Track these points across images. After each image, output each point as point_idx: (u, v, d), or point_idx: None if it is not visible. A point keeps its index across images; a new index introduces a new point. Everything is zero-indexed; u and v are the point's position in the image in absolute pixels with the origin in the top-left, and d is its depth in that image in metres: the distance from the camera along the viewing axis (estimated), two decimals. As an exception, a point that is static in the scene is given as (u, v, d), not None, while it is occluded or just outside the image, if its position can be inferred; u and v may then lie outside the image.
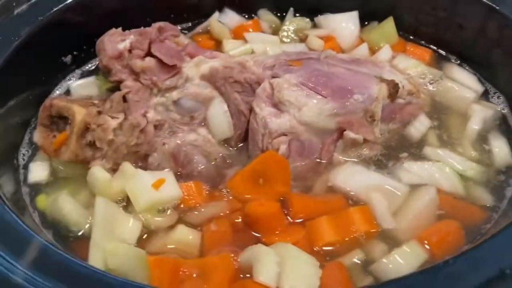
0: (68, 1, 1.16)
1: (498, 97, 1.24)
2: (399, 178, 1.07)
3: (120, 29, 1.09)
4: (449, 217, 1.01)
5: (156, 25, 1.09)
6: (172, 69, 1.06)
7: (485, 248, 0.79)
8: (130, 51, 1.06)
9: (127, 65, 1.06)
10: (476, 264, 0.76)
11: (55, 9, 1.13)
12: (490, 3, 1.20)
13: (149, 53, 1.07)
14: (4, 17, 1.08)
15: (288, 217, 1.00)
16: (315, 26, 1.40)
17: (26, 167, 1.06)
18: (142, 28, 1.09)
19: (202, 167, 1.07)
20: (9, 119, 1.07)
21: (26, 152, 1.08)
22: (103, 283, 0.72)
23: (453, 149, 1.14)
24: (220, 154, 1.09)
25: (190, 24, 1.39)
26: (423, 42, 1.38)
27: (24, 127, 1.12)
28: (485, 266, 0.75)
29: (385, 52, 1.32)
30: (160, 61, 1.06)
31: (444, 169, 1.08)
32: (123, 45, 1.05)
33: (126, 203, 1.00)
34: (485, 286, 0.73)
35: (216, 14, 1.37)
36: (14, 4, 1.09)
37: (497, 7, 1.19)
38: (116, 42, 1.06)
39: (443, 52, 1.36)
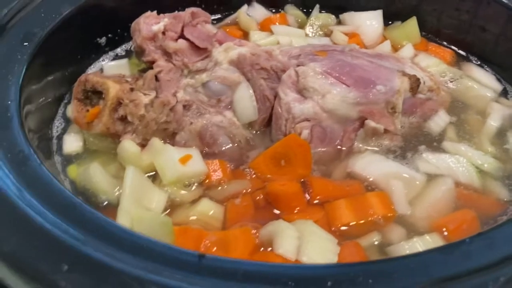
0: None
1: (517, 97, 1.28)
2: (417, 168, 1.10)
3: (155, 12, 1.14)
4: (466, 207, 1.04)
5: (189, 10, 1.14)
6: (202, 52, 1.11)
7: (501, 230, 0.82)
8: (163, 33, 1.11)
9: (160, 46, 1.11)
10: (492, 244, 0.78)
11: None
12: (512, 6, 1.24)
13: (181, 36, 1.12)
14: (46, -3, 1.13)
15: (308, 198, 1.03)
16: (340, 23, 1.45)
17: (58, 138, 1.10)
18: (176, 12, 1.13)
19: (227, 147, 1.11)
20: (44, 94, 1.12)
21: (60, 124, 1.13)
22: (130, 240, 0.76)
23: (471, 144, 1.17)
24: (244, 137, 1.13)
25: (219, 16, 1.43)
26: (444, 42, 1.41)
27: (58, 102, 1.17)
28: (501, 245, 0.78)
29: (407, 50, 1.35)
30: (191, 44, 1.10)
31: (461, 162, 1.11)
32: (157, 27, 1.10)
33: (154, 176, 1.04)
34: (500, 263, 0.75)
35: (244, 7, 1.42)
36: (56, -14, 1.14)
37: (520, 10, 1.23)
38: (150, 24, 1.11)
39: (463, 53, 1.39)
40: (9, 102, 0.93)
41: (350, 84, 1.11)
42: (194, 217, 0.98)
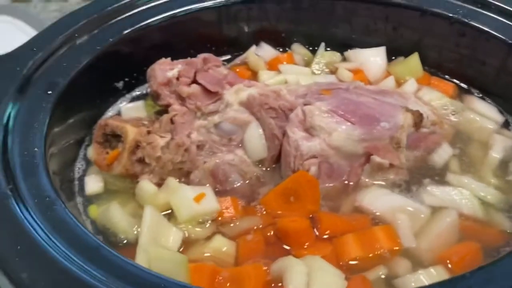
0: (123, 33, 1.29)
1: (518, 129, 1.32)
2: (422, 200, 1.14)
3: (169, 59, 1.22)
4: (469, 239, 1.08)
5: (202, 56, 1.22)
6: (214, 95, 1.18)
7: (501, 264, 0.85)
8: (177, 78, 1.18)
9: (174, 91, 1.18)
10: (492, 278, 0.82)
11: (111, 40, 1.26)
12: (510, 42, 1.29)
13: (194, 81, 1.19)
14: (68, 46, 1.21)
15: (316, 233, 1.08)
16: (344, 59, 1.51)
17: (80, 179, 1.17)
18: (188, 58, 1.21)
19: (238, 184, 1.16)
20: (67, 138, 1.19)
21: (81, 166, 1.20)
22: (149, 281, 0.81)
23: (475, 176, 1.21)
24: (255, 174, 1.18)
25: (229, 56, 1.50)
26: (447, 76, 1.46)
27: (80, 144, 1.24)
28: (501, 280, 0.82)
29: (410, 85, 1.41)
30: (204, 88, 1.18)
31: (464, 194, 1.15)
32: (172, 73, 1.18)
33: (170, 215, 1.09)
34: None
35: (253, 48, 1.49)
36: (76, 35, 1.22)
37: (517, 45, 1.28)
38: (165, 70, 1.19)
39: (465, 86, 1.44)
40: (36, 149, 1.00)
41: (355, 122, 1.17)
42: (208, 254, 1.03)
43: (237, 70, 1.45)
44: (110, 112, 1.33)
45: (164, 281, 0.81)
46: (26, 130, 1.03)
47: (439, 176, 1.21)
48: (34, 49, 1.16)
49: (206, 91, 1.18)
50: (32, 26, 1.93)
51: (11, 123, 1.01)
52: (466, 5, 1.38)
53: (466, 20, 1.35)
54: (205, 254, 1.03)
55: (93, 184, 1.16)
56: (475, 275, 0.83)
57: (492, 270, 0.84)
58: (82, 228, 0.89)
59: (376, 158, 1.16)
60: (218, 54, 1.48)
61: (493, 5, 1.35)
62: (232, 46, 1.50)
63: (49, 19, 2.11)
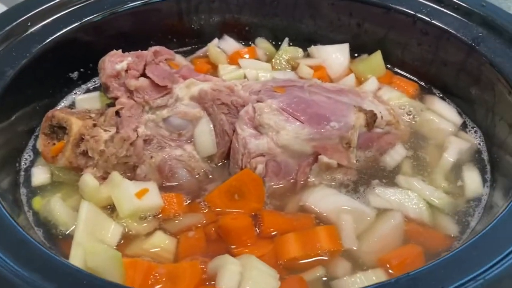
0: (78, 23, 1.27)
1: (475, 132, 1.30)
2: (368, 202, 1.13)
3: (120, 50, 1.20)
4: (413, 242, 1.07)
5: (152, 49, 1.20)
6: (163, 89, 1.16)
7: (430, 269, 0.85)
8: (126, 71, 1.17)
9: (123, 84, 1.17)
10: (419, 284, 0.82)
11: (65, 30, 1.24)
12: (470, 43, 1.27)
13: (143, 74, 1.18)
14: (19, 35, 1.20)
15: (258, 231, 1.07)
16: (308, 55, 1.49)
17: (26, 170, 1.17)
18: (139, 51, 1.19)
19: (185, 180, 1.16)
20: (16, 126, 1.18)
21: (29, 156, 1.19)
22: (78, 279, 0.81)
23: (426, 179, 1.20)
24: (203, 170, 1.18)
25: (190, 48, 1.49)
26: (409, 75, 1.45)
27: (29, 134, 1.23)
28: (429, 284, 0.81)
29: (371, 83, 1.39)
30: (153, 81, 1.16)
31: (412, 197, 1.14)
32: (121, 66, 1.16)
33: (112, 209, 1.09)
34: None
35: (215, 41, 1.47)
36: (29, 24, 1.21)
37: (477, 47, 1.26)
38: (115, 62, 1.17)
39: (427, 85, 1.42)
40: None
41: (304, 121, 1.16)
42: (147, 249, 1.03)
43: (197, 62, 1.44)
44: (64, 102, 1.32)
45: (86, 276, 0.81)
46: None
47: (389, 177, 1.20)
48: (-18, 37, 1.14)
49: (155, 84, 1.16)
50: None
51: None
52: (429, 3, 1.35)
53: (429, 19, 1.33)
54: (145, 250, 1.03)
55: (40, 175, 1.15)
56: (400, 281, 0.82)
57: (417, 277, 0.83)
58: (12, 221, 0.89)
59: (324, 158, 1.15)
60: (180, 45, 1.48)
61: (456, 4, 1.32)
62: (194, 38, 1.48)
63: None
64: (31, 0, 1.24)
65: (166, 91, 1.17)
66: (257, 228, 1.08)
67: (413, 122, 1.33)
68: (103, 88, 1.20)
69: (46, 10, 1.24)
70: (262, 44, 1.50)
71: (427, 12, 1.34)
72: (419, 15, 1.35)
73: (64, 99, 1.32)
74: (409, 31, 1.38)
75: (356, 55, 1.49)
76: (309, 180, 1.17)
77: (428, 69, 1.40)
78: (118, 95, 1.16)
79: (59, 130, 1.14)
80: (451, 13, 1.33)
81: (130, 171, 1.15)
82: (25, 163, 1.18)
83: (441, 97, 1.39)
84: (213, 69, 1.42)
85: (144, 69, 1.18)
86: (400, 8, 1.37)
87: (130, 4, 1.33)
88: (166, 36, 1.44)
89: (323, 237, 1.05)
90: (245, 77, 1.38)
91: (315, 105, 1.20)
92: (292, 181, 1.16)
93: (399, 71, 1.46)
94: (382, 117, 1.24)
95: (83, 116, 1.14)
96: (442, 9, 1.34)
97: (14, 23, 1.20)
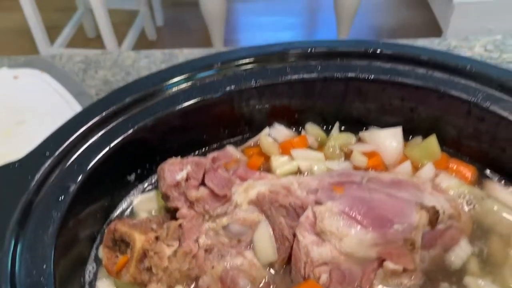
0: (134, 127, 1.29)
1: (543, 223, 1.25)
2: (438, 309, 1.10)
3: (179, 158, 1.21)
4: None
5: (210, 156, 1.21)
6: (222, 198, 1.17)
7: None
8: (186, 180, 1.18)
9: (183, 193, 1.17)
10: None
11: (122, 137, 1.26)
12: (532, 130, 1.23)
13: (203, 182, 1.18)
14: (80, 146, 1.22)
15: None
16: (360, 139, 1.48)
17: (90, 284, 1.18)
18: (197, 158, 1.20)
19: (248, 290, 1.15)
20: (77, 241, 1.19)
21: (92, 268, 1.20)
22: None
23: (495, 279, 1.15)
24: (265, 278, 1.16)
25: (241, 137, 1.49)
26: (466, 158, 1.41)
27: (91, 243, 1.24)
28: None
29: (428, 170, 1.36)
30: (212, 191, 1.16)
31: (484, 302, 1.10)
32: (181, 176, 1.17)
33: (178, 326, 1.09)
34: None
35: (266, 130, 1.47)
36: (88, 134, 1.24)
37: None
38: (174, 171, 1.19)
39: (486, 169, 1.38)
40: (44, 266, 1.01)
41: (368, 225, 1.13)
42: None
43: (250, 153, 1.44)
44: (123, 205, 1.33)
45: None
46: (34, 245, 1.04)
47: (457, 278, 1.16)
48: (47, 153, 1.17)
49: (215, 194, 1.16)
50: (57, 79, 1.96)
51: (19, 247, 1.02)
52: (486, 88, 1.32)
53: (485, 106, 1.30)
54: None
55: (105, 288, 1.16)
56: None
57: None
58: None
59: (390, 265, 1.12)
60: (230, 136, 1.49)
61: (513, 89, 1.29)
62: (245, 126, 1.48)
63: (73, 71, 2.15)
64: (88, 110, 1.27)
65: (226, 199, 1.17)
66: None
67: (473, 212, 1.29)
68: (163, 197, 1.22)
69: (103, 118, 1.27)
70: (313, 131, 1.49)
71: (483, 98, 1.31)
72: (474, 100, 1.32)
73: (123, 202, 1.33)
74: (465, 117, 1.35)
75: (410, 137, 1.46)
76: (374, 286, 1.14)
77: (487, 154, 1.36)
78: (179, 205, 1.17)
79: (121, 243, 1.15)
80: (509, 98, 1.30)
81: (192, 282, 1.15)
82: (89, 276, 1.19)
83: (502, 184, 1.35)
84: (266, 160, 1.42)
85: (203, 177, 1.18)
86: (455, 94, 1.34)
87: (184, 103, 1.34)
88: (218, 128, 1.45)
89: None
90: (298, 169, 1.37)
91: (376, 206, 1.18)
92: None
93: (456, 153, 1.42)
94: (444, 212, 1.21)
95: (145, 228, 1.15)
96: (499, 94, 1.31)
97: (76, 134, 1.22)
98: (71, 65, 2.19)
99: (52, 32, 4.99)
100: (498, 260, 1.20)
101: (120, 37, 4.77)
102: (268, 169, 1.39)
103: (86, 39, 5.57)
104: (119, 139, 1.26)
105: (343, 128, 1.50)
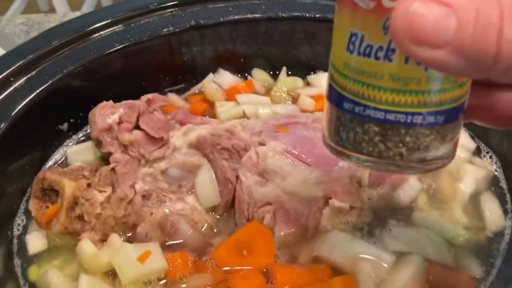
0: (64, 72, 1.20)
1: (490, 157, 1.23)
2: (386, 246, 1.06)
3: (110, 101, 1.13)
4: (437, 287, 1.01)
5: (145, 97, 1.13)
6: (159, 141, 1.10)
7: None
8: (119, 123, 1.10)
9: (116, 137, 1.10)
10: None
11: (50, 82, 1.17)
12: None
13: (137, 125, 1.11)
14: (2, 91, 1.13)
15: (271, 289, 1.01)
16: (308, 84, 1.42)
17: (19, 237, 1.09)
18: (131, 100, 1.12)
19: (189, 236, 1.09)
20: (5, 188, 1.11)
21: (21, 221, 1.12)
22: None
23: (443, 214, 1.13)
24: (207, 223, 1.11)
25: (184, 85, 1.41)
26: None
27: (21, 196, 1.16)
28: None
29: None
30: (147, 133, 1.09)
31: (432, 237, 1.07)
32: (112, 119, 1.09)
33: (114, 275, 1.02)
34: None
35: (210, 76, 1.40)
36: (12, 79, 1.14)
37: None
38: (106, 115, 1.10)
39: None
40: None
41: (312, 163, 1.09)
42: (154, 318, 0.97)
43: (193, 101, 1.37)
44: (56, 156, 1.24)
45: None
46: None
47: (405, 216, 1.12)
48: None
49: (150, 137, 1.09)
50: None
51: None
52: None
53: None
54: (151, 318, 0.97)
55: (35, 242, 1.08)
56: None
57: None
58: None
59: (335, 202, 1.08)
60: (173, 83, 1.41)
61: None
62: (187, 74, 1.41)
63: (15, 33, 2.02)
64: (11, 54, 1.16)
65: (163, 142, 1.10)
66: (270, 285, 1.01)
67: (424, 150, 1.25)
68: (95, 143, 1.13)
69: (29, 62, 1.17)
70: (259, 76, 1.43)
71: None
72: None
73: (56, 153, 1.25)
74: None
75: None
76: (320, 225, 1.10)
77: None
78: (112, 150, 1.09)
79: (51, 192, 1.07)
80: None
81: (130, 230, 1.08)
82: (18, 229, 1.11)
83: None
84: (210, 107, 1.35)
85: (138, 120, 1.11)
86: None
87: (118, 46, 1.25)
88: (158, 75, 1.37)
89: (341, 289, 0.99)
90: (244, 114, 1.31)
91: (321, 143, 1.12)
92: (302, 228, 1.09)
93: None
94: (392, 149, 1.17)
95: (76, 176, 1.07)
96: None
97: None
98: (12, 27, 2.06)
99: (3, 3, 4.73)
100: (446, 196, 1.17)
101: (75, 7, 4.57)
102: (213, 116, 1.32)
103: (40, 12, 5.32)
104: (46, 84, 1.17)
105: (290, 73, 1.44)
